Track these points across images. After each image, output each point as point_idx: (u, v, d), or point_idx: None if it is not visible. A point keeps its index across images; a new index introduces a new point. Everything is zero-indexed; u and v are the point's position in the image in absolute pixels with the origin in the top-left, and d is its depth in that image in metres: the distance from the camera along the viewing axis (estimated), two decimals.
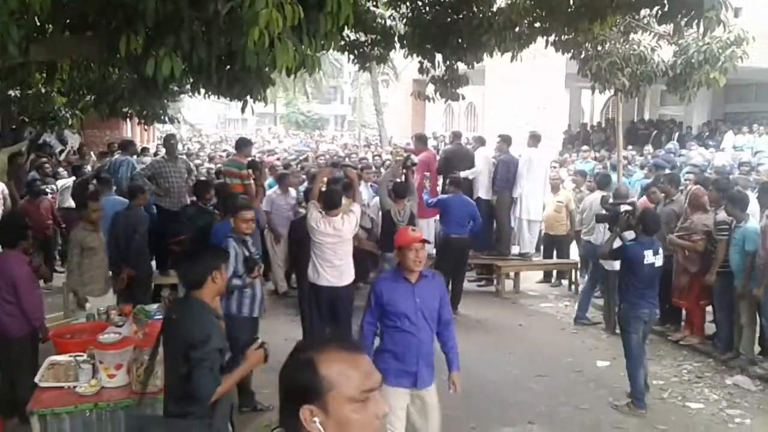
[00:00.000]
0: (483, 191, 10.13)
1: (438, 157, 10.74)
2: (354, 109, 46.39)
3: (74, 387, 4.09)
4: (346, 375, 1.48)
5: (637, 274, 5.93)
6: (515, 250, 10.50)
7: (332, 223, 6.16)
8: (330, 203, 6.24)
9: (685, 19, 5.75)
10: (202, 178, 9.82)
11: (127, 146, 10.97)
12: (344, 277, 6.25)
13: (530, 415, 5.90)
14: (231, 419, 3.68)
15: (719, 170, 10.78)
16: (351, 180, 7.04)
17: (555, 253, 10.67)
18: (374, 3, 9.00)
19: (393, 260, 7.59)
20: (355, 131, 39.04)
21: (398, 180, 8.21)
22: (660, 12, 5.88)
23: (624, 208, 6.55)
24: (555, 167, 12.29)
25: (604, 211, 7.20)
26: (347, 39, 9.19)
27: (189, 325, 3.34)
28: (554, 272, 10.84)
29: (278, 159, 14.90)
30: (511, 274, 10.34)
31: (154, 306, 5.31)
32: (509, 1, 8.05)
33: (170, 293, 6.18)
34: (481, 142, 10.85)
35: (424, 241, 4.11)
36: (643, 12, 7.66)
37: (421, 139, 10.90)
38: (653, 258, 5.89)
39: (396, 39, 9.25)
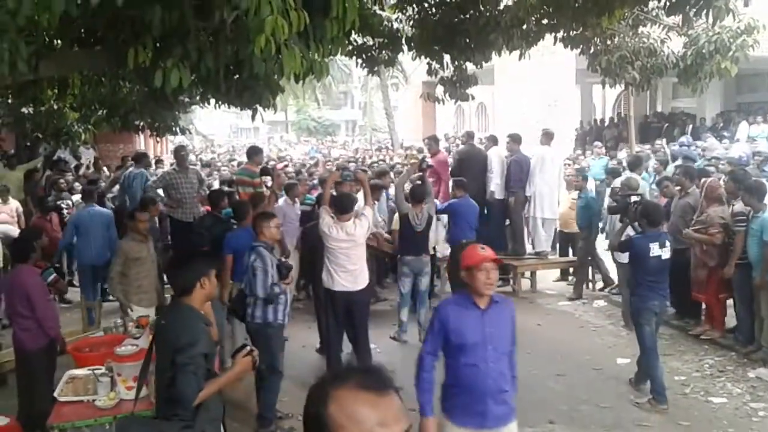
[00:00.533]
0: (497, 191, 10.09)
1: (450, 159, 10.74)
2: (365, 113, 46.44)
3: (93, 400, 4.11)
4: (355, 419, 1.34)
5: (644, 267, 5.97)
6: (530, 248, 10.44)
7: (345, 228, 6.15)
8: (341, 208, 6.23)
9: (694, 9, 5.70)
10: (216, 188, 9.86)
11: (140, 159, 11.05)
12: (359, 281, 6.25)
13: (551, 414, 5.85)
14: (224, 424, 3.71)
15: (733, 161, 10.65)
16: (362, 183, 7.03)
17: (570, 251, 10.60)
18: (380, 6, 8.99)
19: (412, 264, 7.66)
20: (367, 136, 39.08)
21: (416, 183, 8.18)
22: (668, 3, 5.83)
23: (633, 199, 6.55)
24: (569, 164, 12.25)
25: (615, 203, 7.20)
26: (354, 43, 9.20)
27: (177, 329, 3.40)
28: (571, 270, 10.76)
29: (287, 166, 14.90)
30: (528, 273, 10.28)
31: None
32: None
33: None
34: (493, 141, 10.81)
35: (497, 260, 3.67)
36: (652, 4, 7.59)
37: (434, 141, 10.94)
38: (659, 251, 5.91)
39: (403, 41, 9.23)
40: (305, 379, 6.50)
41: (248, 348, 3.59)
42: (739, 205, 7.03)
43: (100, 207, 8.62)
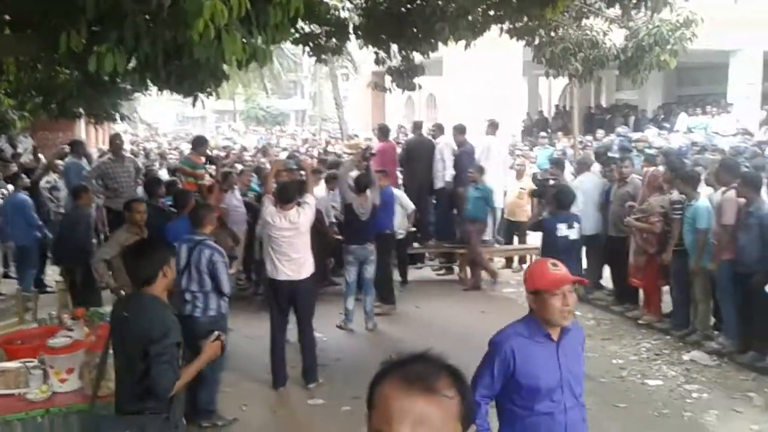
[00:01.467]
0: (443, 180, 10.16)
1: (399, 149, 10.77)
2: (314, 103, 46.08)
3: (25, 393, 3.98)
4: (380, 405, 1.33)
5: (553, 246, 6.34)
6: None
7: (287, 216, 6.09)
8: (284, 197, 6.17)
9: (633, 2, 5.81)
10: (153, 176, 9.63)
11: (75, 147, 10.73)
12: (303, 270, 6.18)
13: None
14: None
15: (668, 152, 10.96)
16: (305, 170, 7.00)
17: (517, 239, 10.78)
18: None
19: (357, 252, 7.67)
20: (317, 125, 38.80)
21: (360, 172, 8.16)
22: None
23: (551, 182, 6.91)
24: (519, 154, 12.45)
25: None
26: (301, 31, 9.09)
27: (146, 321, 3.30)
28: (516, 258, 10.94)
29: (227, 156, 14.58)
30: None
31: (108, 308, 5.21)
32: None
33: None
34: (441, 130, 10.89)
35: (578, 281, 3.13)
36: None
37: (382, 131, 10.93)
38: (567, 231, 6.35)
39: (350, 30, 9.17)
40: (246, 371, 6.47)
41: (216, 333, 3.59)
42: (675, 194, 7.25)
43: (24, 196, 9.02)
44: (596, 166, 9.31)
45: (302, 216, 6.11)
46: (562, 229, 6.33)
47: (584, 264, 8.18)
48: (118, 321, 3.48)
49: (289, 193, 6.22)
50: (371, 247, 7.78)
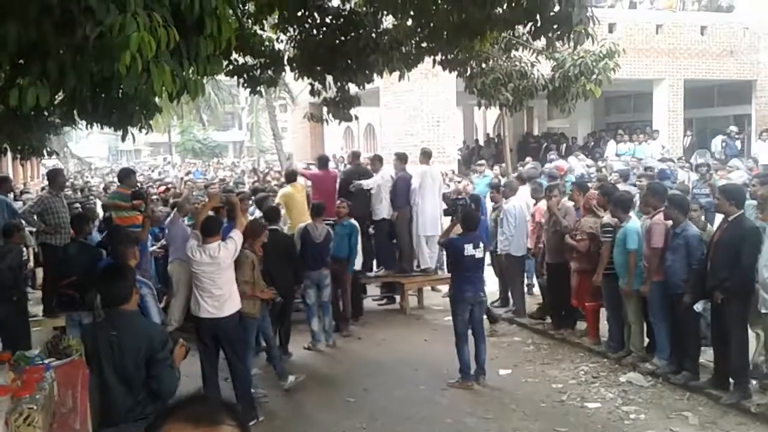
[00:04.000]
0: (384, 211, 10.19)
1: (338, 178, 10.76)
2: (252, 134, 45.81)
3: None
4: None
5: (460, 263, 6.94)
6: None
7: (208, 250, 5.90)
8: (206, 230, 6.02)
9: (557, 34, 6.04)
10: (78, 213, 9.29)
11: (2, 183, 10.29)
12: (225, 307, 5.95)
13: (437, 428, 5.95)
14: None
15: (602, 177, 11.38)
16: (233, 206, 6.90)
17: None
18: (261, 26, 8.92)
19: (313, 276, 8.09)
20: (255, 157, 38.53)
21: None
22: (533, 28, 6.14)
23: (461, 203, 7.24)
24: (459, 181, 12.65)
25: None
26: (235, 63, 9.05)
27: (143, 332, 3.75)
28: None
29: (168, 189, 14.39)
30: (415, 290, 10.43)
31: (35, 351, 4.97)
32: (394, 22, 8.19)
33: (54, 337, 5.74)
34: (379, 160, 10.95)
35: None
36: (522, 30, 7.98)
37: (321, 160, 10.93)
38: (473, 250, 6.84)
39: (285, 62, 9.19)
40: None
41: (180, 340, 3.94)
42: (606, 217, 7.46)
43: None
44: (525, 189, 9.49)
45: (223, 251, 5.90)
46: (469, 249, 6.84)
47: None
48: (105, 341, 3.74)
49: (210, 227, 6.06)
50: (326, 271, 8.28)
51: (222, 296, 5.95)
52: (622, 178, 11.95)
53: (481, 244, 7.00)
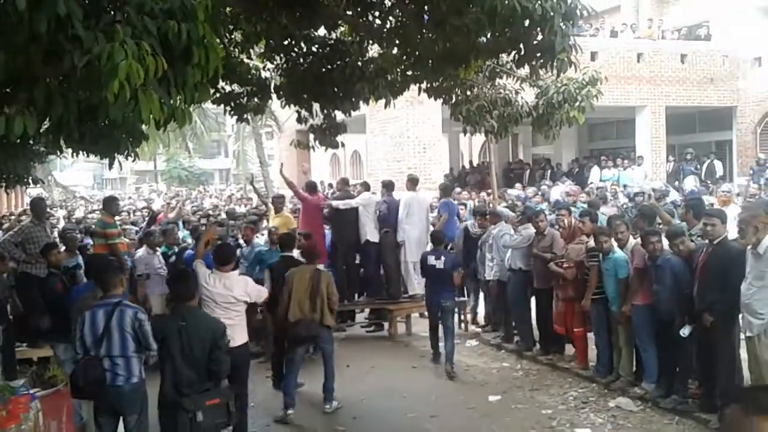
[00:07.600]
0: (370, 234, 10.20)
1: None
2: (238, 162, 45.79)
3: None
4: None
5: (426, 272, 8.43)
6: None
7: (223, 279, 5.87)
8: (221, 258, 6.01)
9: (541, 62, 6.13)
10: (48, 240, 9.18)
11: None
12: (235, 337, 5.82)
13: None
14: None
15: (591, 203, 11.54)
16: (206, 236, 6.81)
17: None
18: (248, 55, 8.99)
19: None
20: (241, 184, 38.47)
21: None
22: (517, 56, 6.23)
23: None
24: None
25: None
26: (222, 91, 9.10)
27: (208, 323, 5.01)
28: None
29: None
30: (403, 316, 10.39)
31: (20, 381, 4.90)
32: (380, 51, 8.29)
33: (37, 368, 5.64)
34: (366, 187, 10.99)
35: None
36: (506, 58, 8.10)
37: (310, 186, 10.94)
38: (434, 261, 8.18)
39: (272, 90, 9.25)
40: None
41: None
42: (591, 243, 7.50)
43: None
44: (509, 216, 9.54)
45: (237, 288, 5.90)
46: (431, 260, 8.22)
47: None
48: (174, 329, 4.85)
49: (226, 254, 6.11)
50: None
51: (233, 326, 5.74)
52: (602, 200, 12.28)
53: (443, 258, 8.18)
